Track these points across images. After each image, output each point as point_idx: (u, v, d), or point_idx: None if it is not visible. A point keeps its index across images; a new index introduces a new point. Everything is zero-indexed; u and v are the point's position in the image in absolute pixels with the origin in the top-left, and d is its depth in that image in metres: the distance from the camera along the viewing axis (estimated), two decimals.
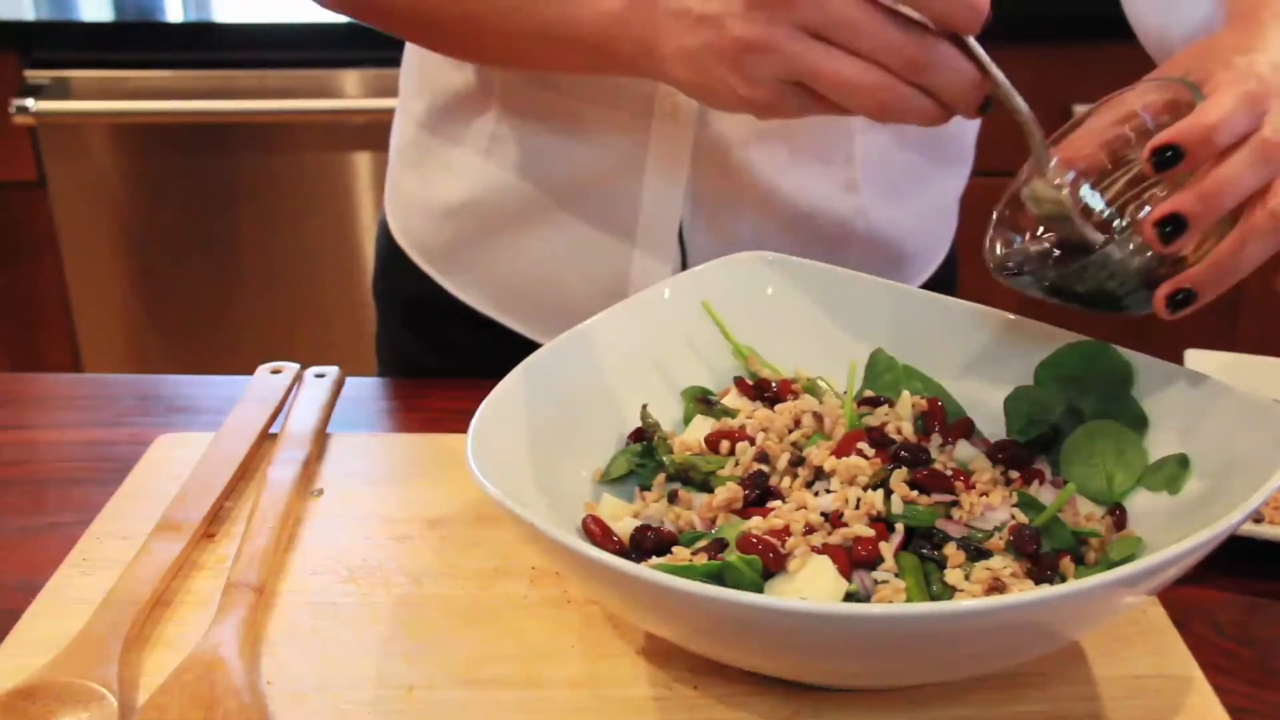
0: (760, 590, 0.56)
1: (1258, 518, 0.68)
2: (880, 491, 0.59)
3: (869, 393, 0.70)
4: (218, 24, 1.81)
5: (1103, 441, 0.64)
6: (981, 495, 0.60)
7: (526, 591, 0.64)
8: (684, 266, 0.85)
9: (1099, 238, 0.64)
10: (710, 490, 0.63)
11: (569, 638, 0.60)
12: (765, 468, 0.63)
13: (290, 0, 1.83)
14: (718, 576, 0.55)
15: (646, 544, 0.60)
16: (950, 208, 0.97)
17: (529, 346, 0.86)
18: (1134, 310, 0.62)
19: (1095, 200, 0.66)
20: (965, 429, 0.67)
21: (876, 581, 0.57)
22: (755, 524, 0.59)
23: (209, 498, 0.69)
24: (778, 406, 0.68)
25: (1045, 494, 0.62)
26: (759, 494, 0.62)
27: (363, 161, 1.84)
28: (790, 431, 0.66)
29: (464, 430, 0.58)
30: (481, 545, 0.67)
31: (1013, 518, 0.60)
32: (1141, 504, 0.62)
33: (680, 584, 0.47)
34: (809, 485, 0.62)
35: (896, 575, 0.57)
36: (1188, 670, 0.59)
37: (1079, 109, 1.55)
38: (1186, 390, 0.63)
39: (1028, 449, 0.65)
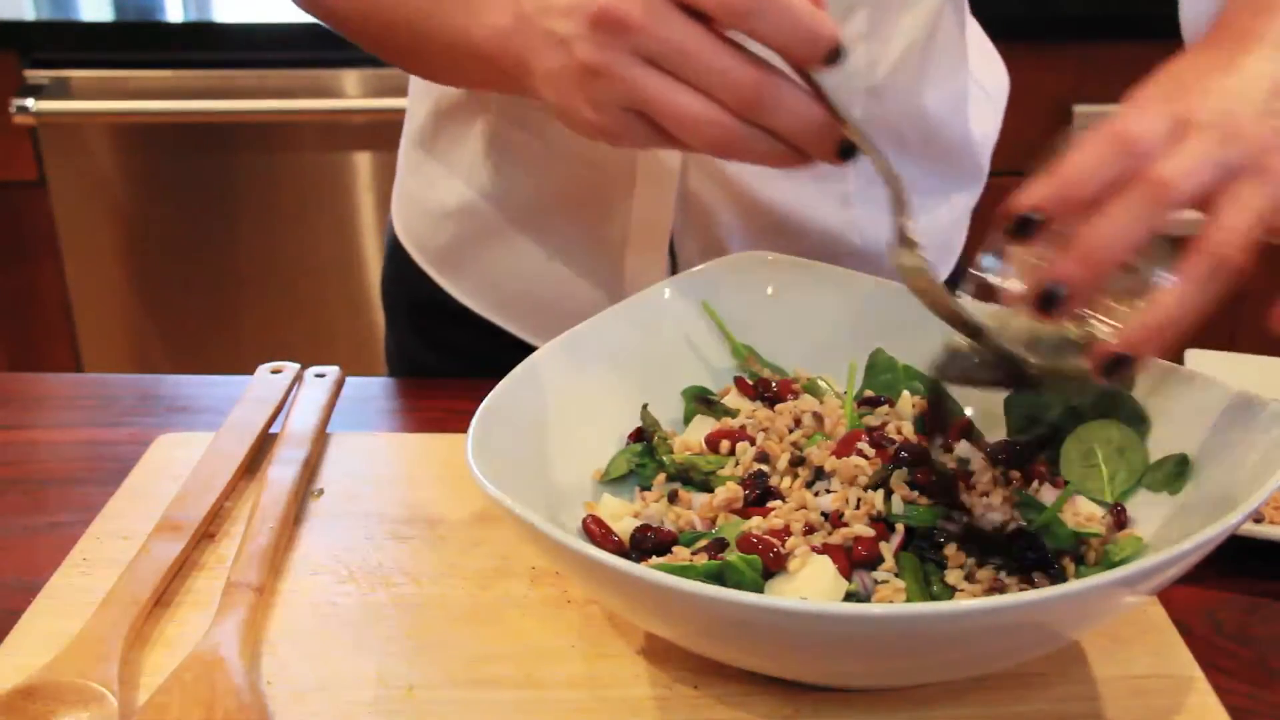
0: (760, 590, 0.56)
1: (1258, 518, 0.68)
2: (880, 492, 0.59)
3: (869, 393, 0.70)
4: (218, 24, 1.81)
5: (1103, 441, 0.64)
6: (982, 496, 0.60)
7: (526, 591, 0.64)
8: (674, 274, 0.85)
9: (974, 320, 0.57)
10: (710, 490, 0.63)
11: (569, 638, 0.60)
12: (765, 468, 0.63)
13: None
14: (718, 576, 0.55)
15: (646, 544, 0.60)
16: (957, 223, 0.96)
17: (531, 350, 0.87)
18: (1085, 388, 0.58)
19: (993, 271, 0.58)
20: (965, 429, 0.67)
21: (876, 581, 0.57)
22: (755, 524, 0.59)
23: (209, 498, 0.69)
24: (778, 406, 0.68)
25: (1045, 494, 0.62)
26: (759, 494, 0.62)
27: (363, 161, 1.84)
28: (790, 431, 0.66)
29: (464, 430, 0.58)
30: (481, 545, 0.67)
31: (1013, 518, 0.60)
32: (1141, 504, 0.62)
33: (680, 584, 0.47)
34: (809, 485, 0.62)
35: (896, 575, 0.57)
36: (1188, 670, 0.59)
37: (1079, 110, 1.55)
38: (1186, 390, 0.63)
39: (1028, 449, 0.65)
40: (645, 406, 0.68)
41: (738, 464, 0.64)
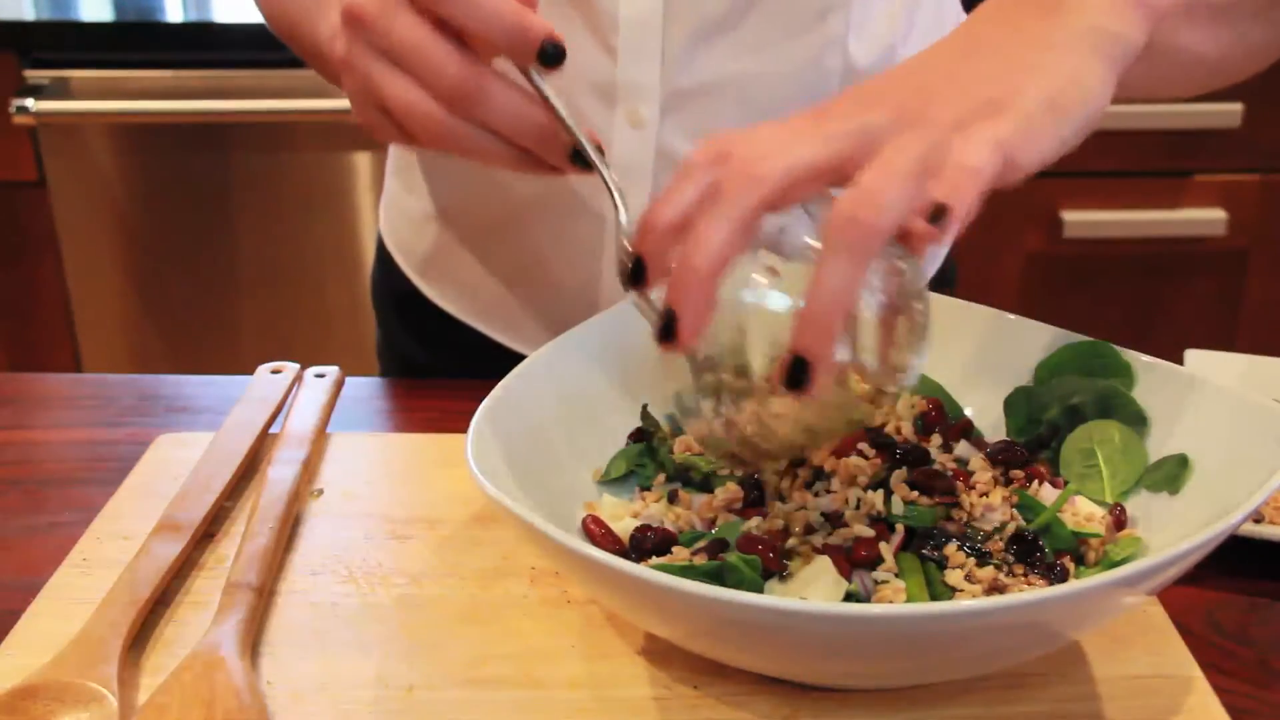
0: (760, 590, 0.56)
1: (1258, 518, 0.68)
2: (880, 492, 0.59)
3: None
4: (218, 24, 1.81)
5: (1103, 441, 0.64)
6: (982, 496, 0.60)
7: (526, 591, 0.64)
8: None
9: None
10: (710, 490, 0.63)
11: (569, 638, 0.60)
12: None
13: None
14: (717, 576, 0.55)
15: (646, 544, 0.60)
16: None
17: (517, 354, 0.87)
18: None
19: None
20: (965, 429, 0.67)
21: (876, 582, 0.57)
22: (755, 524, 0.59)
23: (209, 497, 0.69)
24: None
25: (1045, 494, 0.62)
26: (758, 494, 0.62)
27: (363, 161, 1.84)
28: None
29: (464, 430, 0.58)
30: (481, 545, 0.67)
31: (1012, 518, 0.60)
32: (1141, 504, 0.62)
33: (679, 584, 0.47)
34: (809, 485, 0.62)
35: (896, 575, 0.57)
36: (1188, 670, 0.59)
37: None
38: (1186, 390, 0.63)
39: (1027, 449, 0.65)
40: (645, 406, 0.68)
41: None
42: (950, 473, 0.61)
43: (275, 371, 0.82)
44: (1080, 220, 1.85)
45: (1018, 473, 0.63)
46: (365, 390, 0.87)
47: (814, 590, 0.55)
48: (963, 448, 0.64)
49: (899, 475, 0.60)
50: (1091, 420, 0.65)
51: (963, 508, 0.60)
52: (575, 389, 0.67)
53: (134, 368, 1.94)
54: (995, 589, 0.56)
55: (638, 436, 0.68)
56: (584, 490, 0.65)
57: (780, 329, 0.50)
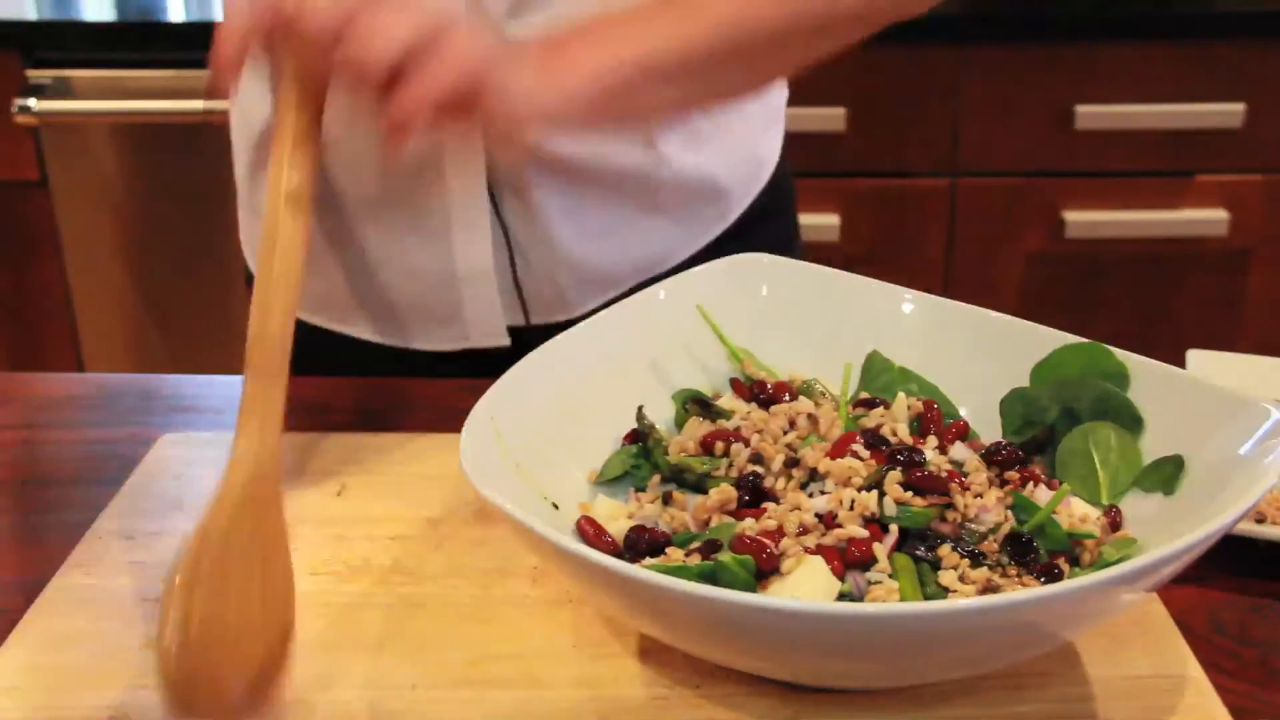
0: (753, 590, 0.56)
1: (1259, 518, 0.68)
2: (875, 493, 0.59)
3: (864, 395, 0.70)
4: (218, 24, 1.81)
5: (1099, 443, 0.64)
6: (976, 496, 0.60)
7: (527, 591, 0.64)
8: (506, 238, 0.86)
9: None
10: (704, 492, 0.63)
11: (569, 638, 0.60)
12: (759, 469, 0.63)
13: None
14: (711, 577, 0.55)
15: (640, 545, 0.60)
16: (767, 131, 0.97)
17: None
18: None
19: None
20: (961, 431, 0.67)
21: (870, 582, 0.56)
22: (748, 525, 0.59)
23: None
24: (773, 408, 0.68)
25: (1040, 495, 0.62)
26: (752, 495, 0.62)
27: None
28: (785, 433, 0.66)
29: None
30: (482, 545, 0.67)
31: (1007, 519, 0.60)
32: (1137, 505, 0.62)
33: (673, 584, 0.47)
34: (803, 486, 0.62)
35: (890, 576, 0.57)
36: (1189, 670, 0.59)
37: (1079, 110, 1.56)
38: (1181, 391, 0.63)
39: (1023, 451, 0.65)
40: (641, 408, 0.68)
41: (732, 465, 0.64)
42: (945, 474, 0.61)
43: None
44: (1082, 220, 1.85)
45: (1013, 474, 0.63)
46: (365, 390, 0.87)
47: (807, 590, 0.55)
48: (958, 449, 0.64)
49: (893, 477, 0.60)
50: (1087, 422, 0.65)
51: (957, 509, 0.60)
52: (571, 390, 0.67)
53: (135, 367, 1.94)
54: (989, 589, 0.56)
55: (633, 438, 0.68)
56: (579, 491, 0.65)
57: None
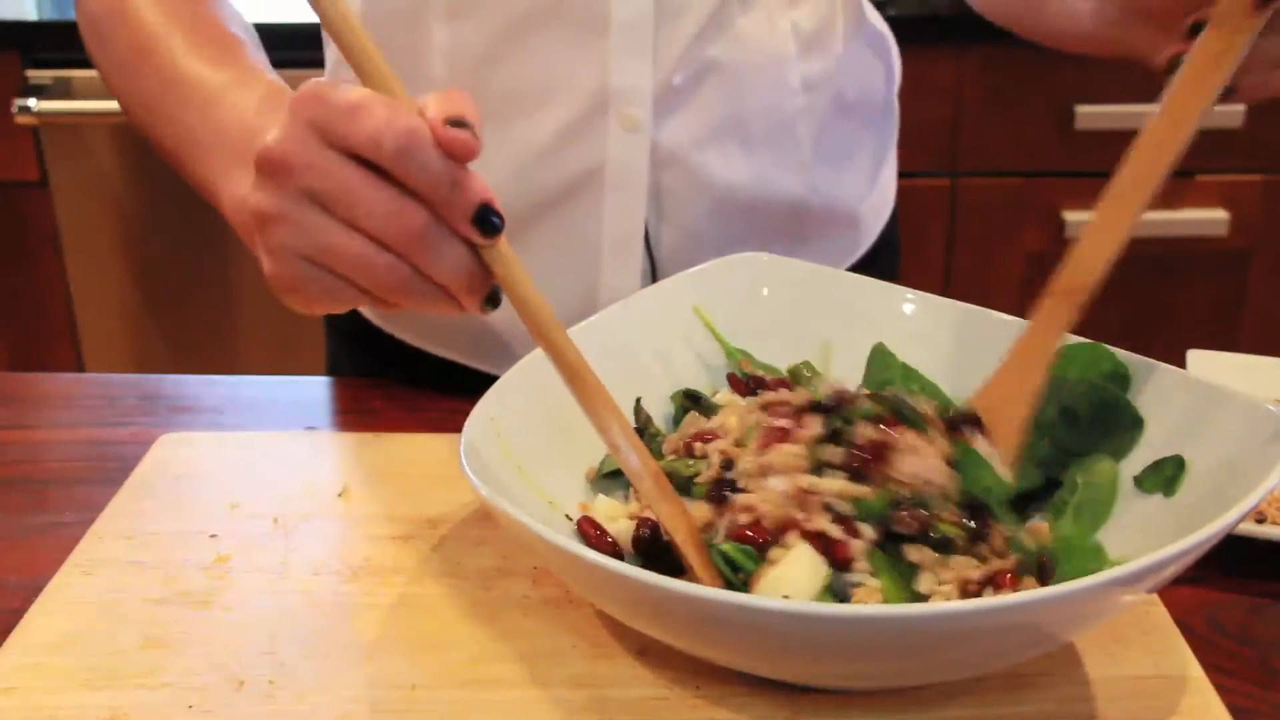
0: (742, 585, 0.56)
1: (1260, 518, 0.68)
2: (825, 478, 0.58)
3: (865, 391, 0.70)
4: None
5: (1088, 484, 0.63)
6: (913, 454, 0.59)
7: (527, 591, 0.64)
8: (653, 270, 0.85)
9: None
10: (689, 494, 0.62)
11: (570, 637, 0.60)
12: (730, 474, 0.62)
13: (290, 0, 1.83)
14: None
15: (646, 545, 0.60)
16: (889, 161, 0.98)
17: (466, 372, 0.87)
18: None
19: None
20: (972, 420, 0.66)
21: (851, 584, 0.56)
22: (729, 521, 0.59)
23: None
24: (747, 400, 0.67)
25: (981, 444, 0.62)
26: (722, 496, 0.60)
27: None
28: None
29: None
30: (483, 544, 0.67)
31: (952, 480, 0.59)
32: (1138, 506, 0.62)
33: (673, 584, 0.47)
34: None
35: (872, 575, 0.56)
36: (1189, 670, 0.59)
37: (1079, 109, 1.56)
38: (1181, 392, 0.63)
39: (1029, 497, 0.64)
40: (639, 400, 0.68)
41: (710, 466, 0.63)
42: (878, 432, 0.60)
43: None
44: (1082, 220, 1.85)
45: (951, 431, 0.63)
46: (365, 390, 0.87)
47: (796, 574, 0.55)
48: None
49: (829, 451, 0.59)
50: (1085, 423, 0.64)
51: (891, 465, 0.58)
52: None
53: (136, 367, 1.94)
54: (967, 591, 0.55)
55: None
56: (579, 491, 0.65)
57: None
